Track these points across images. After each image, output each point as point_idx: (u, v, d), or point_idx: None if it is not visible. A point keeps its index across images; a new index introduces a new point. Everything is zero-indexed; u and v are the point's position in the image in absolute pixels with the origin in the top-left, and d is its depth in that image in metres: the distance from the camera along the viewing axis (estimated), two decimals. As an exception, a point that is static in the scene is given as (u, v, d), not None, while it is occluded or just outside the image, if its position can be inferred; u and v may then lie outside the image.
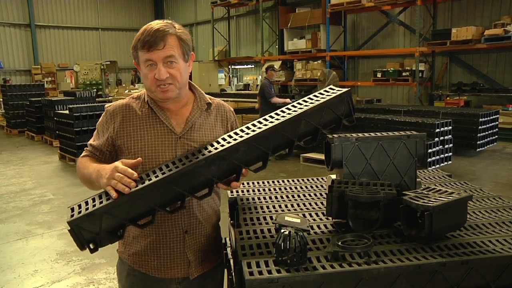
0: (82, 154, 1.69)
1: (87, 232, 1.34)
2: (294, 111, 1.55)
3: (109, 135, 1.62)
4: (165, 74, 1.50)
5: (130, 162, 1.43)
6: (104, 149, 1.65)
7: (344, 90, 1.62)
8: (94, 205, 1.36)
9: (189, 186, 1.43)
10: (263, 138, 1.48)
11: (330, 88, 1.67)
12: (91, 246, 1.36)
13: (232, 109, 1.82)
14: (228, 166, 1.47)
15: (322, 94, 1.64)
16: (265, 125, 1.51)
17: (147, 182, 1.38)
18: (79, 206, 1.39)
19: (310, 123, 1.55)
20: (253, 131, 1.50)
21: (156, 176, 1.40)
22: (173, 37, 1.51)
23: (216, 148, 1.47)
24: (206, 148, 1.50)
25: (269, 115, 1.59)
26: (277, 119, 1.52)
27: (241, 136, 1.49)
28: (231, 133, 1.55)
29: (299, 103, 1.61)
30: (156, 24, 1.52)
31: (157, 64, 1.50)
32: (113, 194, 1.35)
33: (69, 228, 1.33)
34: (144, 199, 1.38)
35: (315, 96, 1.64)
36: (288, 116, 1.51)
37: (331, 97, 1.58)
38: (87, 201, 1.40)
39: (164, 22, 1.54)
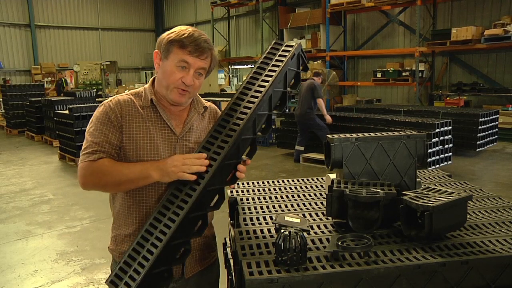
0: (93, 157, 1.52)
1: None
2: (261, 85, 1.57)
3: (119, 128, 1.56)
4: (191, 82, 1.55)
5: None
6: (118, 143, 1.56)
7: (295, 45, 1.66)
8: (135, 270, 1.33)
9: (205, 205, 1.45)
10: (245, 128, 1.50)
11: (276, 43, 1.71)
12: None
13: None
14: (226, 169, 1.49)
15: (273, 54, 1.67)
16: (243, 112, 1.53)
17: (177, 220, 1.37)
18: (118, 277, 1.34)
19: (278, 91, 1.60)
20: (235, 123, 1.51)
21: (170, 219, 1.39)
22: (211, 54, 1.58)
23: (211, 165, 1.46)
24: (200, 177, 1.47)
25: (236, 97, 1.59)
26: (250, 102, 1.54)
27: (228, 135, 1.49)
28: (214, 134, 1.53)
29: (257, 73, 1.62)
30: (200, 33, 1.55)
31: (190, 70, 1.54)
32: (192, 177, 1.41)
33: None
34: (177, 238, 1.38)
35: (267, 58, 1.66)
36: (260, 96, 1.53)
37: (287, 58, 1.62)
38: (122, 267, 1.36)
39: (203, 32, 1.58)
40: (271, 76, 1.58)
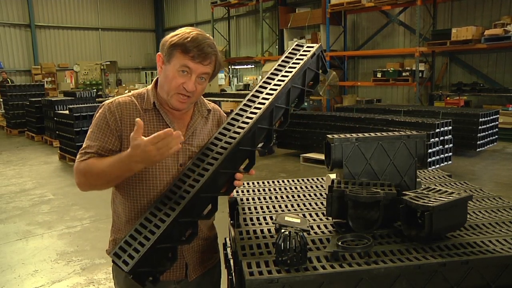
0: (83, 158, 1.52)
1: (145, 271, 1.34)
2: (280, 80, 1.60)
3: (117, 132, 1.55)
4: (193, 88, 1.50)
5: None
6: (115, 148, 1.54)
7: (316, 46, 1.70)
8: (140, 243, 1.32)
9: (217, 186, 1.45)
10: (264, 117, 1.50)
11: (298, 44, 1.75)
12: (150, 278, 1.37)
13: (224, 113, 1.84)
14: (242, 154, 1.49)
15: (294, 53, 1.71)
16: (260, 103, 1.54)
17: (187, 197, 1.37)
18: (122, 249, 1.34)
19: (296, 88, 1.63)
20: (252, 112, 1.52)
21: (180, 196, 1.39)
22: (215, 58, 1.53)
23: (233, 138, 1.48)
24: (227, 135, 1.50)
25: (255, 90, 1.61)
26: (269, 94, 1.56)
27: (245, 122, 1.50)
28: (231, 121, 1.55)
29: (278, 69, 1.66)
30: (204, 36, 1.50)
31: (191, 75, 1.49)
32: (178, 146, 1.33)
33: (131, 276, 1.31)
34: (185, 216, 1.38)
35: (288, 58, 1.70)
36: (279, 88, 1.56)
37: (307, 57, 1.65)
38: (127, 241, 1.36)
39: (209, 36, 1.53)
40: (291, 72, 1.61)
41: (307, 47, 1.72)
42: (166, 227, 1.33)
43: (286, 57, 1.71)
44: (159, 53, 1.55)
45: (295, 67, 1.63)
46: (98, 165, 1.47)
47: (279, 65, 1.68)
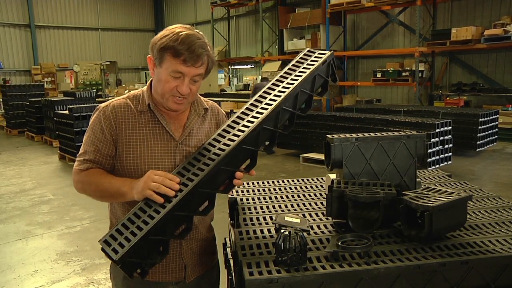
0: (82, 166, 1.55)
1: (134, 261, 1.32)
2: (289, 83, 1.59)
3: (111, 137, 1.55)
4: (187, 91, 1.48)
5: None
6: (111, 152, 1.55)
7: (327, 53, 1.70)
8: (131, 232, 1.30)
9: (217, 183, 1.45)
10: (269, 118, 1.50)
11: (309, 50, 1.74)
12: (138, 270, 1.34)
13: (223, 111, 1.83)
14: (245, 153, 1.48)
15: (305, 59, 1.71)
16: (267, 104, 1.54)
17: (184, 190, 1.36)
18: (113, 237, 1.32)
19: (305, 92, 1.62)
20: (258, 112, 1.51)
21: (183, 184, 1.38)
22: (207, 57, 1.50)
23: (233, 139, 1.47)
24: (221, 142, 1.48)
25: (263, 91, 1.61)
26: (277, 95, 1.55)
27: (250, 121, 1.50)
28: (236, 119, 1.54)
29: (287, 73, 1.66)
30: (194, 36, 1.45)
31: (184, 79, 1.47)
32: (159, 199, 1.33)
33: (120, 265, 1.29)
34: (181, 209, 1.36)
35: (298, 62, 1.69)
36: (287, 91, 1.55)
37: (318, 63, 1.65)
38: (118, 229, 1.33)
39: (200, 34, 1.49)
40: (300, 76, 1.61)
41: (319, 53, 1.71)
42: (160, 219, 1.31)
43: (297, 61, 1.70)
44: (149, 55, 1.52)
45: (305, 72, 1.62)
46: (100, 178, 1.52)
47: (289, 69, 1.67)
